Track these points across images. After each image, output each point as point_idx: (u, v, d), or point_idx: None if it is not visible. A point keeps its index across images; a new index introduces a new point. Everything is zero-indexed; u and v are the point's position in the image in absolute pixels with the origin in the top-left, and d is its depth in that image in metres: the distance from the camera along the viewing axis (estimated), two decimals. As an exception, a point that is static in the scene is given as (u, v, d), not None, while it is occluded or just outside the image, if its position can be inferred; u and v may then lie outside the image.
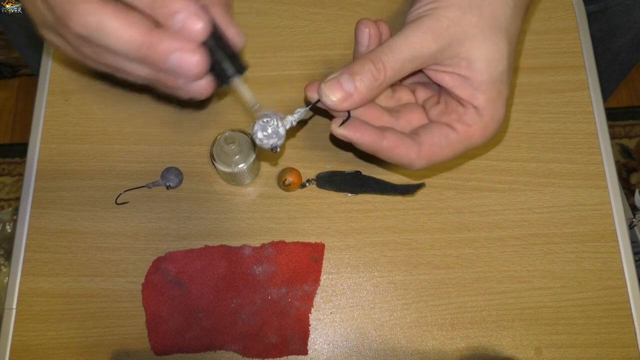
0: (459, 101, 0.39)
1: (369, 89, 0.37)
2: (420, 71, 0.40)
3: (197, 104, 0.51)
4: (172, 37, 0.31)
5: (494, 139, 0.47)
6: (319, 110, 0.40)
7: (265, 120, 0.37)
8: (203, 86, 0.35)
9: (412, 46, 0.36)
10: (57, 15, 0.32)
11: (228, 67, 0.35)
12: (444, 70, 0.38)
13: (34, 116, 0.51)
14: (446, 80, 0.38)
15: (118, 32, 0.31)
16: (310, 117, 0.50)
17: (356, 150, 0.45)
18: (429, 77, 0.40)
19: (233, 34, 0.35)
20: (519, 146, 0.50)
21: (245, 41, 0.35)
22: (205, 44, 0.33)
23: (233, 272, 0.46)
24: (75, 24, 0.31)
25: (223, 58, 0.34)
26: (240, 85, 0.36)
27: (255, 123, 0.37)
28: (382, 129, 0.38)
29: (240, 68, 0.36)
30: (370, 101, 0.39)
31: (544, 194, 0.49)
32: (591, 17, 0.57)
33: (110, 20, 0.30)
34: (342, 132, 0.38)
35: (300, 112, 0.38)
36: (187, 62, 0.32)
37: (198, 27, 0.31)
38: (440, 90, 0.41)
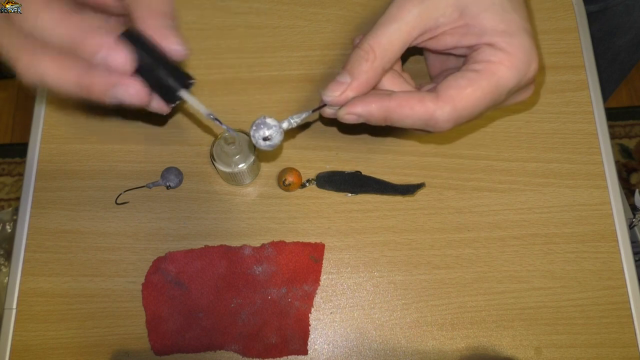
0: (472, 49, 0.37)
1: (365, 72, 0.36)
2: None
3: (162, 118, 0.50)
4: (104, 74, 0.32)
5: (535, 87, 0.42)
6: (328, 120, 0.39)
7: (260, 119, 0.37)
8: (156, 107, 0.35)
9: (392, 17, 0.36)
10: (7, 58, 0.33)
11: (172, 84, 0.34)
12: (441, 32, 0.37)
13: (34, 116, 0.51)
14: (449, 40, 0.37)
15: (58, 80, 0.32)
16: (315, 121, 0.50)
17: (371, 128, 0.44)
18: (436, 51, 0.39)
19: (172, 47, 0.33)
20: (519, 146, 0.50)
21: (186, 52, 0.34)
22: (140, 68, 0.32)
23: (233, 272, 0.46)
24: (21, 77, 0.32)
25: (164, 76, 0.33)
26: (189, 98, 0.35)
27: (252, 124, 0.37)
28: (389, 92, 0.37)
29: (186, 81, 0.34)
30: (374, 85, 0.38)
31: (544, 194, 0.49)
32: (591, 17, 0.57)
33: (48, 70, 0.32)
34: (346, 112, 0.37)
35: (303, 115, 0.39)
36: (127, 94, 0.32)
37: (121, 60, 0.31)
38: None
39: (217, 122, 0.37)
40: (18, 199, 0.49)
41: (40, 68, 0.32)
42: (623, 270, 0.47)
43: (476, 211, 0.48)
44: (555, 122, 0.51)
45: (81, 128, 0.50)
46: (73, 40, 0.31)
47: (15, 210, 0.88)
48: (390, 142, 0.50)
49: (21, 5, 0.32)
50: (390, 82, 0.39)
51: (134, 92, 0.32)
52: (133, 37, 0.32)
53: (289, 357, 0.45)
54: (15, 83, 1.44)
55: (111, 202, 0.48)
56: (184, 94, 0.34)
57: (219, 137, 0.45)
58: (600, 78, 0.53)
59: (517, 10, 0.36)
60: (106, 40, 0.31)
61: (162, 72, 0.33)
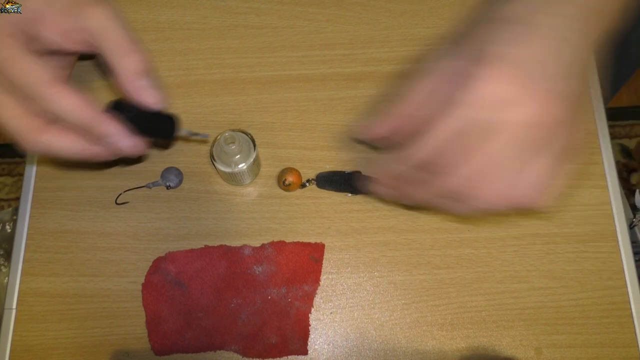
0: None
1: None
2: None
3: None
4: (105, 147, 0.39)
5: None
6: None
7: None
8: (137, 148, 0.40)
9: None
10: (10, 134, 0.37)
11: (167, 129, 0.41)
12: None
13: (34, 116, 0.51)
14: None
15: (64, 149, 0.37)
16: (315, 122, 0.50)
17: None
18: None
19: (151, 103, 0.39)
20: (519, 146, 0.50)
21: (165, 102, 0.39)
22: (137, 126, 0.39)
23: (233, 272, 0.46)
24: (27, 147, 0.37)
25: (157, 126, 0.40)
26: (184, 133, 0.42)
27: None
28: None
29: (175, 122, 0.41)
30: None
31: (544, 194, 0.49)
32: None
33: (56, 141, 0.37)
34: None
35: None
36: (130, 150, 0.39)
37: (125, 144, 0.38)
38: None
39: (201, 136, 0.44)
40: (18, 199, 0.49)
41: (47, 141, 0.37)
42: (623, 270, 0.47)
43: (476, 211, 0.48)
44: (555, 122, 0.51)
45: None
46: (88, 123, 0.36)
47: (15, 210, 0.88)
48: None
49: (43, 88, 0.35)
50: None
51: (133, 145, 0.39)
52: (117, 104, 0.38)
53: (289, 357, 0.45)
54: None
55: (111, 202, 0.48)
56: (178, 131, 0.41)
57: (219, 137, 0.45)
58: (608, 74, 0.52)
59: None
60: (114, 128, 0.37)
61: (155, 126, 0.40)
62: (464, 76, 0.34)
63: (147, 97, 0.38)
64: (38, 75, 0.35)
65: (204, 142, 0.50)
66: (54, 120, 0.37)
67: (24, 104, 0.36)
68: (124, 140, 0.38)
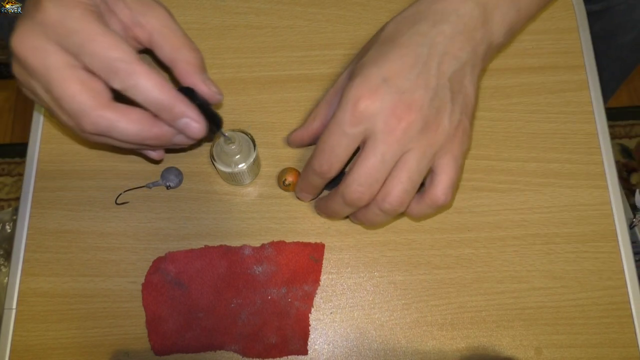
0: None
1: None
2: None
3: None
4: (171, 129, 0.39)
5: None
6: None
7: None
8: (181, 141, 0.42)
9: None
10: (68, 113, 0.37)
11: (215, 125, 0.42)
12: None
13: (34, 116, 0.51)
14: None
15: (127, 128, 0.37)
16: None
17: None
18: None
19: (215, 96, 0.41)
20: (519, 146, 0.50)
21: (222, 95, 0.41)
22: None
23: (233, 272, 0.46)
24: (88, 123, 0.36)
25: (211, 120, 0.41)
26: (222, 134, 0.43)
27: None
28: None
29: (220, 121, 0.42)
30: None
31: (544, 194, 0.49)
32: (593, 16, 0.57)
33: (119, 119, 0.37)
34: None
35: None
36: (194, 132, 0.39)
37: (197, 128, 0.39)
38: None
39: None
40: (18, 199, 0.49)
41: (111, 118, 0.36)
42: (623, 270, 0.47)
43: (476, 211, 0.48)
44: (555, 122, 0.51)
45: (81, 128, 0.50)
46: (167, 102, 0.37)
47: (15, 210, 0.88)
48: (390, 142, 0.50)
49: (119, 61, 0.35)
50: None
51: (199, 133, 0.39)
52: (186, 91, 0.39)
53: (289, 357, 0.45)
54: (15, 84, 1.44)
55: (111, 202, 0.48)
56: (221, 131, 0.42)
57: (219, 137, 0.45)
58: (602, 77, 0.53)
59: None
60: (190, 111, 0.38)
61: (210, 117, 0.41)
62: (341, 93, 0.39)
63: (208, 88, 0.40)
64: (124, 51, 0.36)
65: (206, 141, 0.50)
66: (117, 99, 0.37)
67: (96, 79, 0.36)
68: (197, 122, 0.39)
